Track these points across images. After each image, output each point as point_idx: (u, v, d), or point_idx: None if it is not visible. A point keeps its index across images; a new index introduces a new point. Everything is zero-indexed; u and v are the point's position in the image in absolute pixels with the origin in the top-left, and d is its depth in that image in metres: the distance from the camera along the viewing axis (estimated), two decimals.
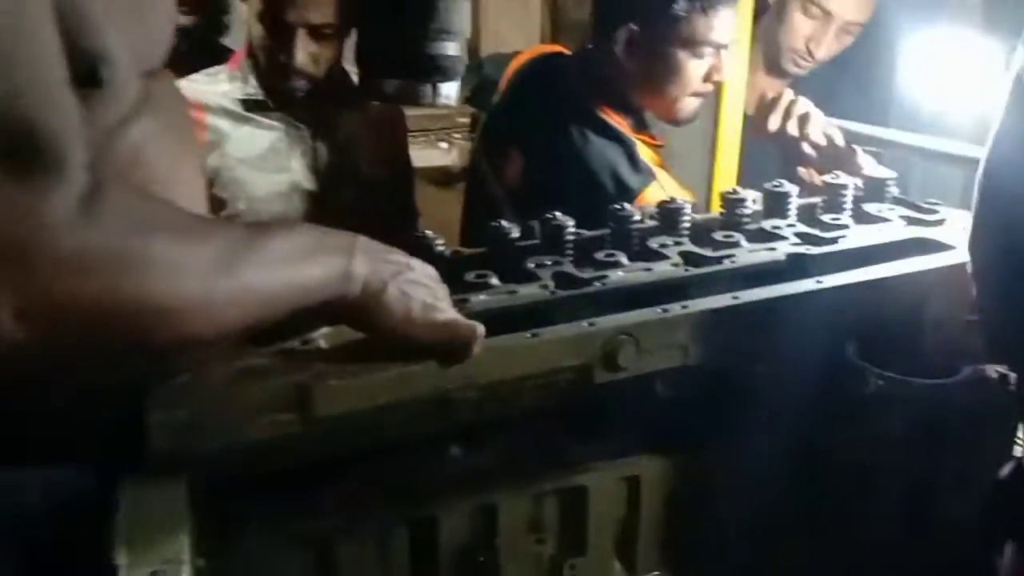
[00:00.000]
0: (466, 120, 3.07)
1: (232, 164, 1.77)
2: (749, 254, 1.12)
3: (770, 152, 1.77)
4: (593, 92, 1.75)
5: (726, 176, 2.01)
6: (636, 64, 1.69)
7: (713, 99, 1.92)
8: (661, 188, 1.66)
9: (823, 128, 1.64)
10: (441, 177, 3.07)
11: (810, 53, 2.16)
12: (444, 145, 3.22)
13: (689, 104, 1.74)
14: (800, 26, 2.15)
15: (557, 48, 1.99)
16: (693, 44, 1.64)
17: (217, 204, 1.74)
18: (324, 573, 0.88)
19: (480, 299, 0.99)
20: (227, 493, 0.83)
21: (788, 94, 1.67)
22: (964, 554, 0.95)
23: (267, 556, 0.85)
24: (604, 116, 1.73)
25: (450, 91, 1.02)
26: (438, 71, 0.99)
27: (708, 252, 1.11)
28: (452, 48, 1.02)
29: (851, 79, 2.19)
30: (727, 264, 1.09)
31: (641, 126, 1.79)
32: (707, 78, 1.70)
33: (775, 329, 0.99)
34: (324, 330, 0.91)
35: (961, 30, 2.01)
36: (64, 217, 0.61)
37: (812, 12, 2.13)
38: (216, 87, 1.79)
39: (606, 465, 0.98)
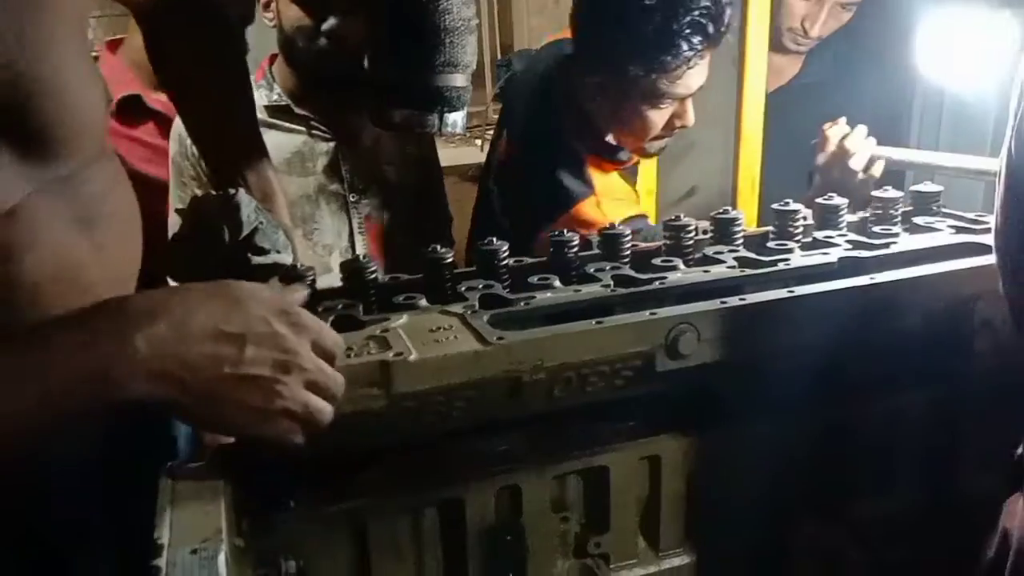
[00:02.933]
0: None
1: None
2: (802, 258, 1.16)
3: (793, 139, 1.79)
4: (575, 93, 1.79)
5: (749, 165, 2.01)
6: (602, 108, 1.73)
7: (735, 84, 1.94)
8: (596, 204, 1.70)
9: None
10: (476, 174, 3.13)
11: (806, 32, 2.22)
12: (478, 142, 3.25)
13: (654, 144, 1.78)
14: (795, 6, 2.20)
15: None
16: (653, 98, 1.67)
17: None
18: (359, 551, 0.92)
19: (546, 296, 1.04)
20: (266, 477, 0.88)
21: (859, 137, 1.72)
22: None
23: (304, 535, 0.89)
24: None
25: (456, 119, 1.08)
26: (445, 102, 1.06)
27: (762, 257, 1.16)
28: (459, 80, 1.08)
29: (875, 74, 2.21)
30: (781, 267, 1.13)
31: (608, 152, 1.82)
32: (669, 125, 1.74)
33: (828, 322, 1.03)
34: (402, 318, 0.98)
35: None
36: None
37: None
38: None
39: (627, 445, 1.02)
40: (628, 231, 1.19)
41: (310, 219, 1.87)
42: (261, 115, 1.85)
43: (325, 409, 0.78)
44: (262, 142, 1.30)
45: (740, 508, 1.07)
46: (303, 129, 1.87)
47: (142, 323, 0.70)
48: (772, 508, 1.08)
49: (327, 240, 1.88)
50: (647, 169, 1.88)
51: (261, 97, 1.87)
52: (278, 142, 1.85)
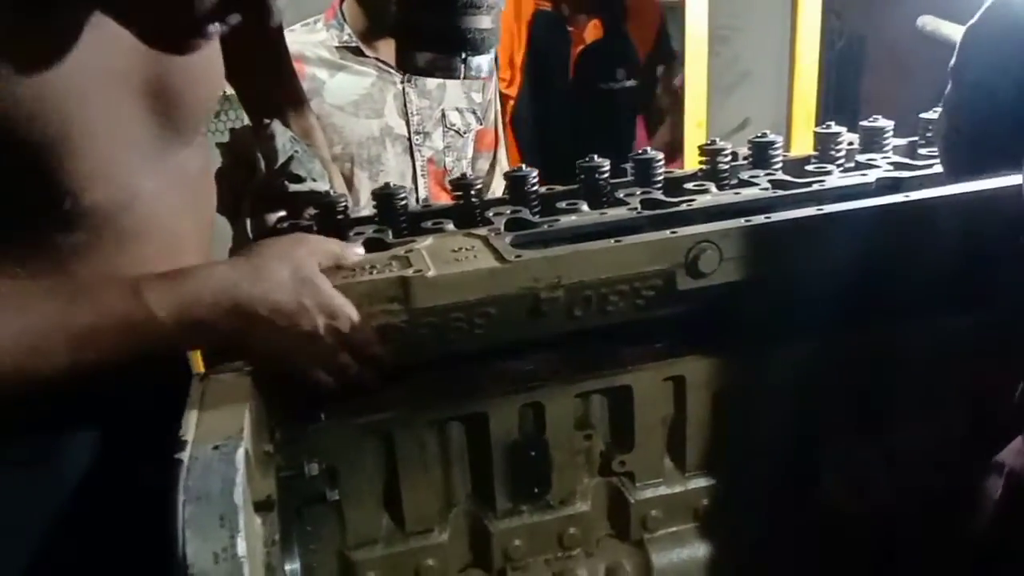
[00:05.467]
0: None
1: (329, 111, 1.88)
2: (839, 179, 1.14)
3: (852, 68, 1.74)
4: None
5: (804, 96, 1.95)
6: None
7: (789, 10, 1.88)
8: None
9: None
10: None
11: None
12: None
13: None
14: None
15: None
16: None
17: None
18: (386, 461, 0.96)
19: (571, 219, 1.05)
20: (298, 390, 0.91)
21: None
22: None
23: (333, 445, 0.93)
24: None
25: (481, 63, 1.08)
26: (469, 44, 1.05)
27: (797, 179, 1.14)
28: (484, 22, 1.07)
29: None
30: (815, 187, 1.11)
31: None
32: None
33: (859, 242, 1.01)
34: (427, 240, 1.00)
35: None
36: None
37: None
38: (313, 36, 1.90)
39: (650, 366, 1.02)
40: (660, 155, 1.19)
41: (376, 160, 1.92)
42: (331, 55, 1.90)
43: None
44: (298, 82, 1.34)
45: (768, 431, 1.07)
46: (372, 71, 1.91)
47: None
48: (801, 433, 1.08)
49: (391, 181, 1.93)
50: (696, 99, 1.85)
51: (332, 38, 1.92)
52: (347, 83, 1.90)
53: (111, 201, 0.87)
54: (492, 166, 2.16)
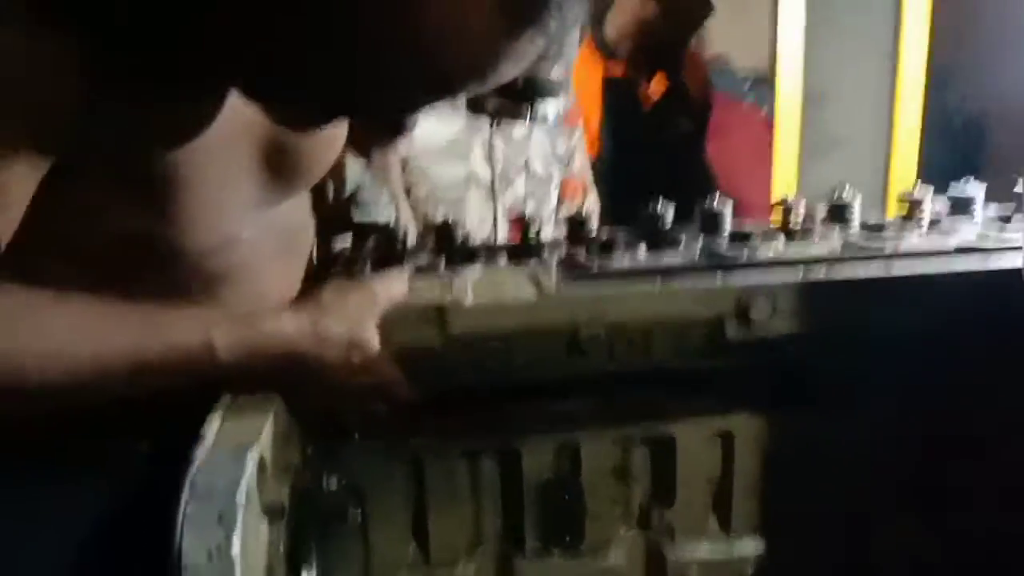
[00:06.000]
0: None
1: (418, 153, 1.91)
2: (915, 242, 1.08)
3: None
4: None
5: (904, 168, 1.86)
6: None
7: (888, 73, 1.81)
8: None
9: None
10: None
11: None
12: None
13: None
14: None
15: None
16: None
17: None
18: (416, 488, 0.96)
19: (624, 261, 1.03)
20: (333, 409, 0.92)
21: None
22: None
23: (364, 467, 0.93)
24: None
25: (547, 110, 1.08)
26: (536, 92, 1.05)
27: (873, 243, 1.09)
28: (551, 70, 1.08)
29: None
30: (888, 249, 1.06)
31: None
32: None
33: (931, 308, 0.96)
34: (473, 270, 1.00)
35: None
36: None
37: None
38: None
39: (696, 419, 0.99)
40: (728, 206, 1.16)
41: (459, 205, 1.95)
42: None
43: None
44: None
45: (821, 500, 1.01)
46: (461, 117, 1.95)
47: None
48: (858, 506, 1.01)
49: (471, 228, 1.96)
50: (787, 161, 1.81)
51: None
52: (437, 127, 1.94)
53: (208, 245, 0.90)
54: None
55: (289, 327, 0.85)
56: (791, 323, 0.93)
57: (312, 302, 0.89)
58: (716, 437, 1.00)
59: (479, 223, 1.94)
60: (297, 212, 1.06)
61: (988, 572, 1.00)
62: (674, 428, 0.98)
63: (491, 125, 1.93)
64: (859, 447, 1.00)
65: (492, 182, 1.94)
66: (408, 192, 1.92)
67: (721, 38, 3.66)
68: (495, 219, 1.93)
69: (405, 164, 1.93)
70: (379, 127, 0.81)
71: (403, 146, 1.90)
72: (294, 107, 0.80)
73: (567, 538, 0.99)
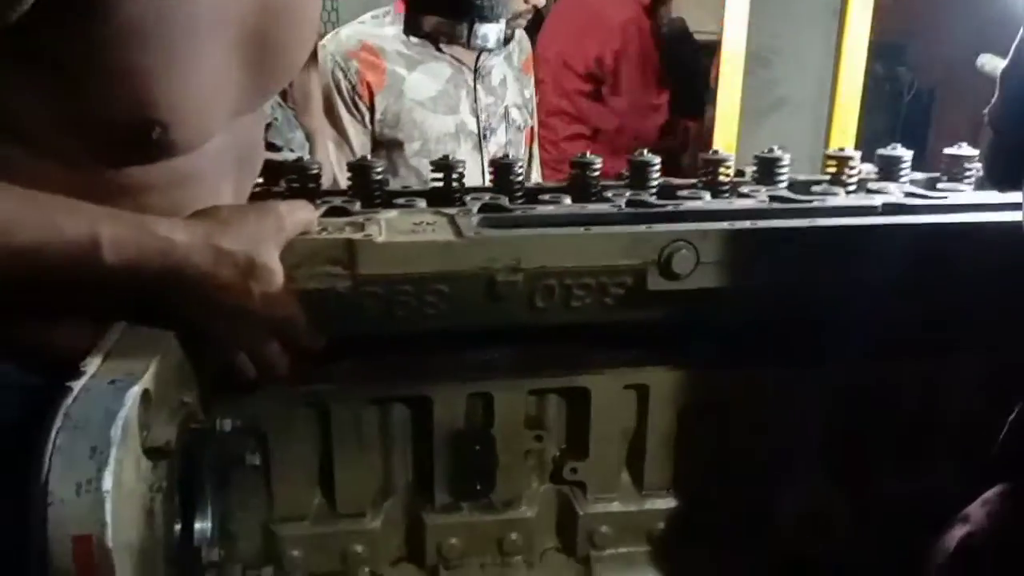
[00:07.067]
0: None
1: (410, 106, 1.88)
2: (842, 199, 1.07)
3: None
4: None
5: (844, 132, 1.86)
6: None
7: (832, 36, 1.79)
8: None
9: None
10: None
11: None
12: None
13: None
14: None
15: None
16: None
17: (396, 145, 1.87)
18: (323, 436, 0.92)
19: (547, 209, 1.00)
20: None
21: None
22: None
23: (268, 414, 0.89)
24: None
25: (487, 32, 1.03)
26: (475, 11, 1.00)
27: (798, 195, 1.08)
28: None
29: None
30: (815, 204, 1.05)
31: None
32: None
33: (847, 259, 0.94)
34: (390, 212, 0.96)
35: None
36: None
37: None
38: (387, 30, 1.89)
39: (612, 370, 0.96)
40: (657, 159, 1.13)
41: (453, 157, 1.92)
42: (409, 51, 1.89)
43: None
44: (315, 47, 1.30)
45: (733, 458, 1.00)
46: (448, 68, 1.92)
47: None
48: (767, 463, 1.01)
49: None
50: (727, 122, 1.79)
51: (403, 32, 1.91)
52: (426, 79, 1.91)
53: (192, 142, 0.85)
54: (529, 161, 2.18)
55: (181, 235, 0.79)
56: (714, 276, 0.91)
57: (211, 216, 0.82)
58: (631, 390, 0.98)
59: (469, 173, 1.91)
60: (255, 128, 1.01)
61: (894, 533, 1.00)
62: (589, 380, 0.96)
63: (474, 75, 1.89)
64: (775, 403, 0.99)
65: (479, 132, 1.92)
66: (401, 146, 1.88)
67: (681, 2, 3.66)
68: (483, 171, 1.89)
69: (397, 118, 1.88)
70: None
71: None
72: None
73: (477, 488, 0.96)
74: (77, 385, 0.68)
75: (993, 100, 1.04)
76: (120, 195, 0.84)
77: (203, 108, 0.85)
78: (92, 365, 0.72)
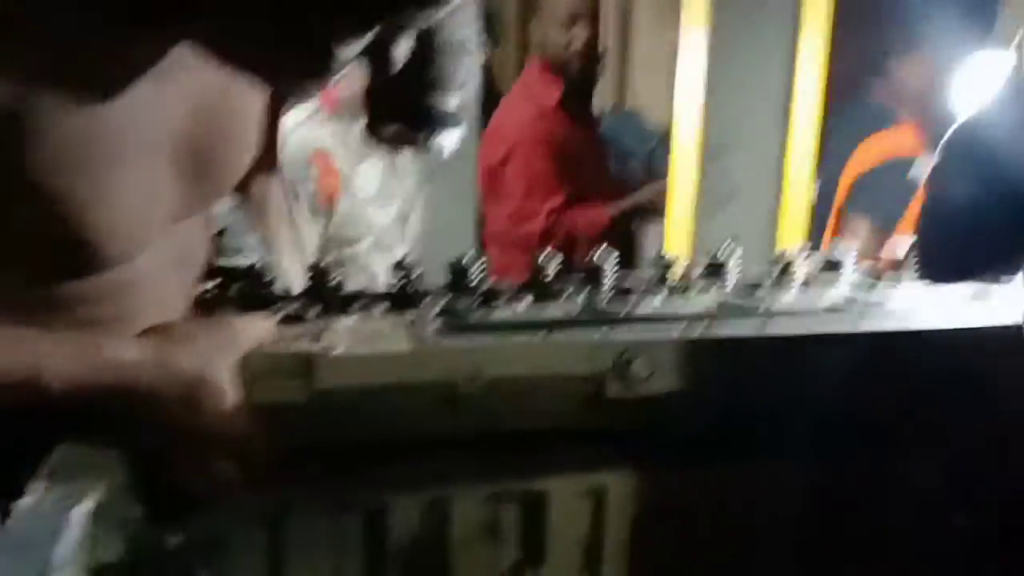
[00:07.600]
0: None
1: (360, 205, 1.88)
2: (797, 299, 1.10)
3: None
4: None
5: (794, 219, 1.90)
6: None
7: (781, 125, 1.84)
8: None
9: None
10: None
11: None
12: None
13: None
14: None
15: None
16: None
17: (348, 243, 1.85)
18: (273, 549, 0.89)
19: (505, 312, 1.01)
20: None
21: None
22: None
23: (216, 520, 0.87)
24: None
25: (444, 141, 1.07)
26: (434, 122, 1.04)
27: (749, 301, 1.10)
28: (450, 103, 1.07)
29: None
30: (762, 308, 1.07)
31: None
32: None
33: (801, 368, 0.97)
34: (348, 320, 0.96)
35: None
36: None
37: None
38: (324, 130, 1.89)
39: (572, 475, 0.96)
40: (614, 257, 1.15)
41: (392, 248, 1.92)
42: (351, 147, 1.89)
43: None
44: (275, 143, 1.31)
45: (694, 562, 1.00)
46: (383, 156, 1.91)
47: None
48: (733, 568, 1.01)
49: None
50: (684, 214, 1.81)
51: (341, 130, 1.91)
52: (370, 174, 1.92)
53: (127, 254, 0.85)
54: None
55: (128, 355, 0.77)
56: (669, 381, 0.93)
57: (161, 332, 0.81)
58: (590, 493, 0.97)
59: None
60: (196, 228, 1.00)
61: None
62: (547, 484, 0.95)
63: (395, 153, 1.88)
64: (737, 507, 0.99)
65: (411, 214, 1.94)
66: (352, 243, 1.88)
67: (636, 94, 3.76)
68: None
69: (349, 218, 1.88)
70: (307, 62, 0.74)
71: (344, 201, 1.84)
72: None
73: None
74: (20, 506, 0.66)
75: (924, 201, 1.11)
76: (59, 309, 0.83)
77: (136, 222, 0.84)
78: (38, 485, 0.70)
